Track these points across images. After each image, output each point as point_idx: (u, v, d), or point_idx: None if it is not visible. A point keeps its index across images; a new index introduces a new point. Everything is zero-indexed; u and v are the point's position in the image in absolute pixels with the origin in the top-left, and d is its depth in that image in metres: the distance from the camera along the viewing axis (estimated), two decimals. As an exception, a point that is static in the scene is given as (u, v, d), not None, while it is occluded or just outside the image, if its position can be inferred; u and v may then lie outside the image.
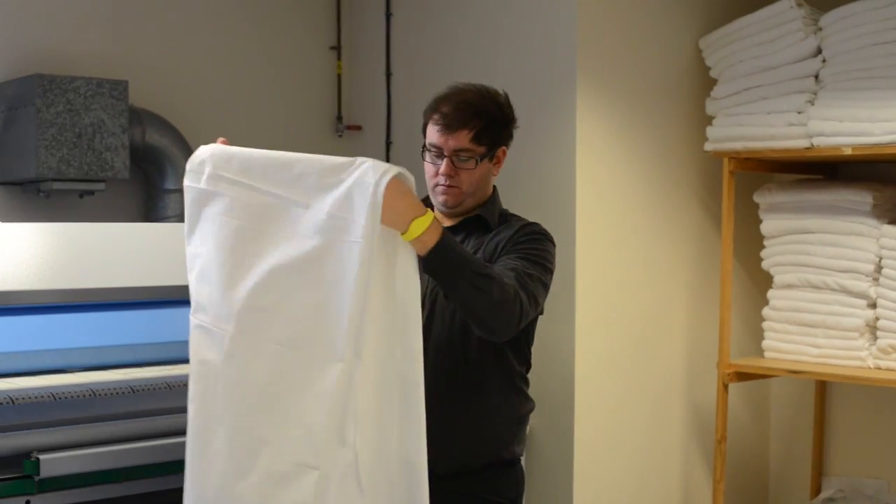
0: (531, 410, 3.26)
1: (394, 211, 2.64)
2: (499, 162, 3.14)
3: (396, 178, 2.65)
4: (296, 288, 2.70)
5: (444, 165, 3.03)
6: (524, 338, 3.15)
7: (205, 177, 2.90)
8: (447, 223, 3.14)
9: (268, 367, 2.72)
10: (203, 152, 2.96)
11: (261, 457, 2.70)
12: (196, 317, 2.90)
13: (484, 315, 2.81)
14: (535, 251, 3.02)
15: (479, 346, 3.04)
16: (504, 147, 3.13)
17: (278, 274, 2.72)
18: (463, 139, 3.01)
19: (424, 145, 3.08)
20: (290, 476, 2.66)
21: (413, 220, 2.69)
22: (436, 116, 3.04)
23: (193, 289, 2.92)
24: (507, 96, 3.15)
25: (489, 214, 3.17)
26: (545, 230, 3.14)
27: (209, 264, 2.85)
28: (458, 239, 3.08)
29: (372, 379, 2.65)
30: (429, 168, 3.07)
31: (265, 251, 2.74)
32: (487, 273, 2.80)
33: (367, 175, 2.65)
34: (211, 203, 2.88)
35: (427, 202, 3.15)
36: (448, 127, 3.00)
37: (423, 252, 2.72)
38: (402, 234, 2.69)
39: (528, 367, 3.24)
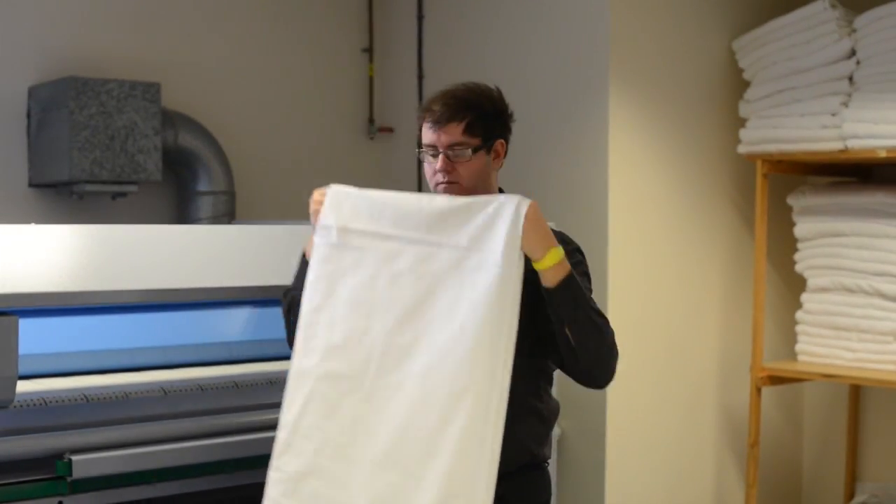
0: (558, 411, 3.22)
1: (536, 235, 2.73)
2: (498, 156, 3.09)
3: (535, 204, 2.72)
4: (432, 322, 2.78)
5: (439, 161, 2.99)
6: (552, 336, 3.14)
7: (335, 231, 2.96)
8: None
9: (407, 401, 2.80)
10: (329, 209, 2.99)
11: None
12: (321, 366, 2.95)
13: (596, 354, 2.87)
14: (588, 278, 3.07)
15: (516, 346, 3.02)
16: (502, 140, 3.07)
17: (416, 313, 2.80)
18: (455, 132, 2.98)
19: (420, 149, 3.05)
20: None
21: (550, 248, 2.75)
22: (427, 115, 3.01)
23: (318, 338, 2.96)
24: (499, 90, 3.11)
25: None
26: (577, 246, 3.15)
27: (340, 314, 2.92)
28: None
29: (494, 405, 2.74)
30: (427, 169, 3.03)
31: (400, 294, 2.83)
32: (602, 313, 2.87)
33: (505, 206, 2.73)
34: (340, 256, 2.95)
35: None
36: (438, 122, 2.98)
37: (554, 282, 2.77)
38: (537, 261, 2.75)
39: (554, 367, 3.22)
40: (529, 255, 2.75)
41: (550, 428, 3.17)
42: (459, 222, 2.78)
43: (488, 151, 3.03)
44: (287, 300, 3.18)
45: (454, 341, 2.73)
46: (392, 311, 2.83)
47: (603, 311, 4.68)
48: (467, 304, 2.72)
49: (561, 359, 2.93)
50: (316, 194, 3.01)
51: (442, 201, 2.84)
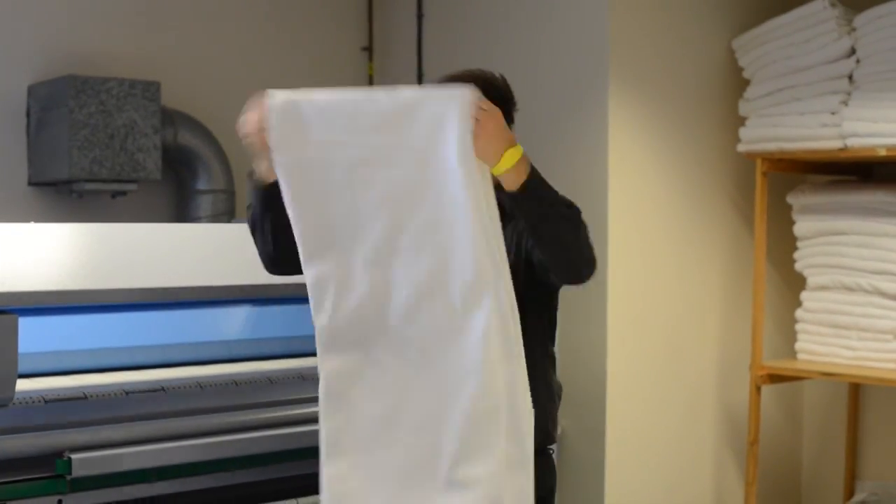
0: (561, 390, 3.14)
1: (486, 139, 2.50)
2: None
3: (479, 103, 2.49)
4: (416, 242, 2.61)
5: None
6: (553, 304, 3.07)
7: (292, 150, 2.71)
8: None
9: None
10: (278, 128, 2.73)
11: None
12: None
13: (573, 248, 2.70)
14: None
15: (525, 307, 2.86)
16: None
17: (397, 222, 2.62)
18: None
19: None
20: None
21: (505, 149, 2.53)
22: None
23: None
24: (503, 77, 3.04)
25: (502, 197, 2.98)
26: None
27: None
28: None
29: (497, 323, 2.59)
30: None
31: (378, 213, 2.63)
32: (572, 203, 2.71)
33: (448, 107, 2.49)
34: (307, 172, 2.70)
35: None
36: None
37: (516, 185, 2.57)
38: (492, 167, 2.54)
39: (554, 340, 3.13)
40: (483, 161, 2.52)
41: (557, 405, 3.08)
42: (411, 121, 2.53)
43: None
44: (250, 221, 2.98)
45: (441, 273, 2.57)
46: (372, 237, 2.63)
47: (603, 309, 4.73)
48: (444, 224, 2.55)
49: (541, 261, 2.80)
50: (251, 115, 2.79)
51: (386, 99, 2.58)
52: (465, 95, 2.48)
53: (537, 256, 2.82)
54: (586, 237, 2.73)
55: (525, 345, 2.71)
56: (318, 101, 2.67)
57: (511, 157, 2.52)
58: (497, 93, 2.95)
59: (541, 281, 2.89)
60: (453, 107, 2.48)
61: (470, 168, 2.48)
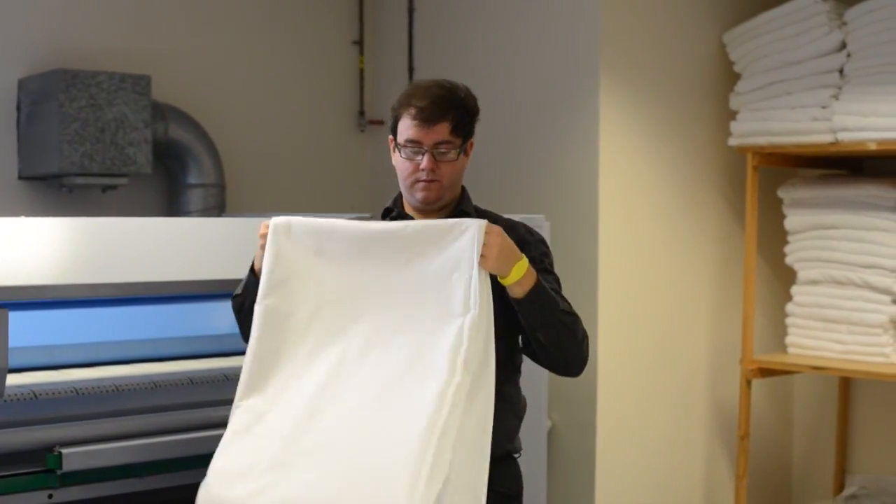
0: (525, 406, 3.21)
1: (499, 256, 2.76)
2: (468, 155, 3.05)
3: (490, 225, 2.76)
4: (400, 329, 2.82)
5: (426, 160, 2.93)
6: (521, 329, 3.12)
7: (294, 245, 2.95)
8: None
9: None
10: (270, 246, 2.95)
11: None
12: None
13: (570, 352, 2.90)
14: (553, 271, 3.06)
15: (501, 340, 2.96)
16: (471, 140, 3.03)
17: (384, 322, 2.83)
18: (444, 131, 2.93)
19: (396, 142, 2.99)
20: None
21: (514, 263, 2.78)
22: (412, 111, 2.94)
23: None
24: (467, 88, 3.07)
25: (469, 209, 3.10)
26: (541, 237, 3.13)
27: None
28: None
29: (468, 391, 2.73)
30: (405, 165, 2.97)
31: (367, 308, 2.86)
32: (572, 311, 2.90)
33: (468, 230, 2.76)
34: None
35: (397, 202, 3.11)
36: (427, 121, 2.92)
37: (522, 294, 2.80)
38: (503, 278, 2.78)
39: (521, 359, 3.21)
40: (495, 272, 2.78)
41: (521, 421, 3.14)
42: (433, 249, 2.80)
43: (466, 152, 3.02)
44: (236, 305, 3.14)
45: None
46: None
47: (594, 303, 4.72)
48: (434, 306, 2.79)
49: (532, 352, 2.96)
50: (262, 227, 2.97)
51: (395, 228, 2.86)
52: (477, 225, 2.76)
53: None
54: (584, 343, 2.92)
55: (502, 374, 2.88)
56: (324, 224, 2.92)
57: (520, 269, 2.78)
58: (467, 103, 3.01)
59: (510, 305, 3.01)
60: (466, 232, 2.76)
61: (475, 288, 2.74)
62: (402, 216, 3.06)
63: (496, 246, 2.77)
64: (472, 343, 2.72)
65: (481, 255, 2.76)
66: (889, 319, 4.64)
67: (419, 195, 3.00)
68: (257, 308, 2.92)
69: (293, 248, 2.92)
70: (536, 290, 2.82)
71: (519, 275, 2.79)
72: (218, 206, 5.06)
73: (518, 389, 3.11)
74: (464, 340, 2.72)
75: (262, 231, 2.94)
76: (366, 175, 5.77)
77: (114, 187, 4.78)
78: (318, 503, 2.68)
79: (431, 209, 3.04)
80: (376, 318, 2.84)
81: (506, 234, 2.80)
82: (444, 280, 2.78)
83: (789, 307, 4.96)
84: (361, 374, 2.79)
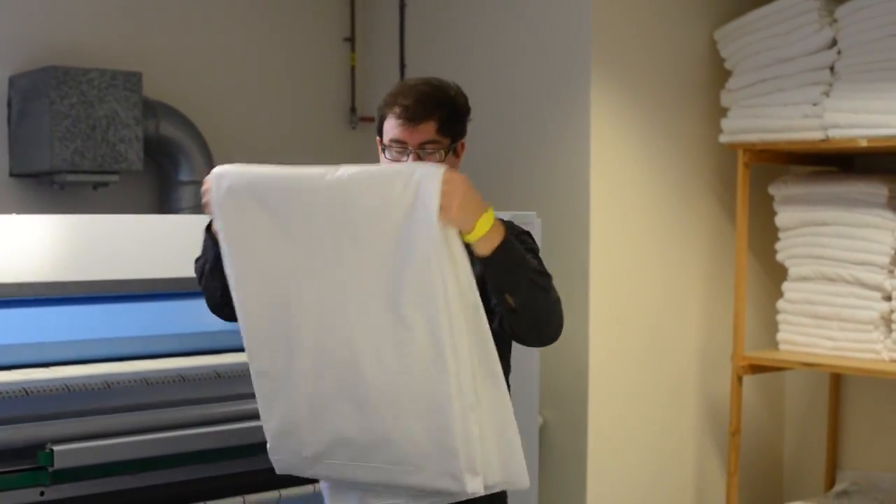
0: None
1: (460, 207, 2.47)
2: (458, 156, 2.90)
3: (452, 173, 2.47)
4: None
5: (410, 160, 2.80)
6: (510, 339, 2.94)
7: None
8: None
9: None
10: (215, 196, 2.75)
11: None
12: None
13: (542, 316, 2.63)
14: (535, 249, 2.86)
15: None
16: (462, 140, 2.89)
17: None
18: (428, 131, 2.80)
19: (382, 143, 2.87)
20: None
21: (478, 216, 2.50)
22: (397, 110, 2.81)
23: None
24: (458, 87, 2.93)
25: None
26: (528, 233, 2.95)
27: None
28: None
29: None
30: (390, 164, 2.82)
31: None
32: (544, 270, 2.66)
33: (419, 181, 2.47)
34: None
35: None
36: (412, 120, 2.79)
37: (488, 251, 2.54)
38: (467, 233, 2.50)
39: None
40: (457, 226, 2.49)
41: None
42: (369, 195, 2.52)
43: (455, 152, 2.89)
44: (198, 269, 3.00)
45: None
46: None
47: (585, 300, 4.73)
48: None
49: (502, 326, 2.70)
50: (204, 182, 2.78)
51: (345, 171, 2.56)
52: (433, 171, 2.46)
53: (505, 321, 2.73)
54: (558, 306, 2.66)
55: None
56: (266, 173, 2.68)
57: (485, 223, 2.50)
58: (456, 102, 2.88)
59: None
60: (420, 181, 2.46)
61: (434, 237, 2.46)
62: None
63: (459, 194, 2.46)
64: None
65: (440, 207, 2.44)
66: (880, 316, 4.64)
67: None
68: (228, 269, 2.74)
69: (237, 202, 2.70)
70: (505, 246, 2.54)
71: (485, 228, 2.50)
72: (209, 204, 5.06)
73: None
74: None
75: (204, 187, 2.76)
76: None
77: (105, 184, 4.77)
78: (374, 434, 2.58)
79: None
80: (336, 271, 2.59)
81: (468, 181, 2.50)
82: (398, 249, 2.49)
83: (780, 304, 4.96)
84: (346, 324, 2.59)
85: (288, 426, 2.74)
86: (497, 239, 2.53)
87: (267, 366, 2.75)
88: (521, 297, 2.57)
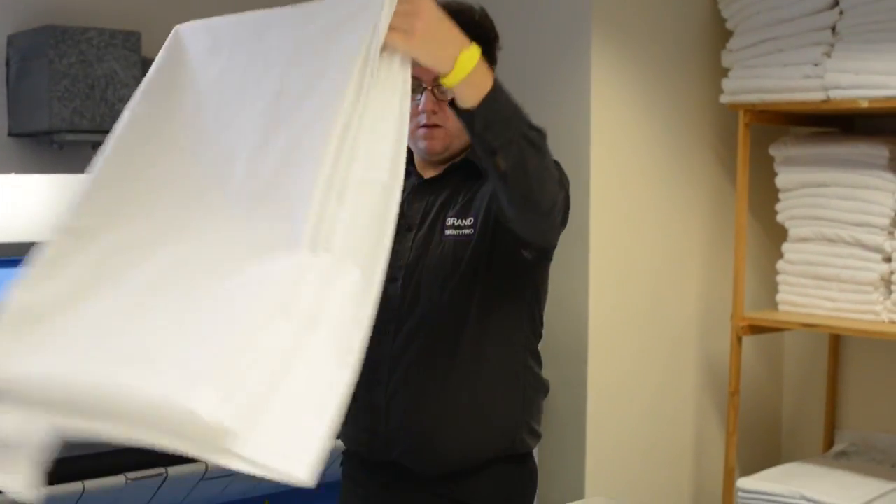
0: (544, 392, 2.81)
1: (428, 28, 1.91)
2: None
3: None
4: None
5: (424, 99, 2.47)
6: (535, 296, 2.71)
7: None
8: (430, 174, 2.71)
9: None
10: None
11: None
12: None
13: (536, 177, 2.21)
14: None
15: (479, 318, 2.58)
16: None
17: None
18: None
19: None
20: None
21: (459, 51, 1.98)
22: None
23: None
24: (483, 10, 2.58)
25: (473, 156, 2.63)
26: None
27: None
28: (446, 193, 2.66)
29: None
30: None
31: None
32: (537, 126, 2.24)
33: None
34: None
35: (410, 158, 2.66)
36: None
37: (475, 101, 2.05)
38: (444, 75, 2.01)
39: (539, 336, 2.77)
40: (432, 65, 1.97)
41: (536, 412, 2.77)
42: (308, 21, 2.04)
43: None
44: None
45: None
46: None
47: (585, 260, 4.72)
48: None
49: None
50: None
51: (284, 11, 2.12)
52: None
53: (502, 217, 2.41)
54: (557, 169, 2.36)
55: (497, 342, 2.59)
56: (226, 18, 2.41)
57: (467, 62, 1.99)
58: (481, 27, 2.54)
59: (515, 263, 2.58)
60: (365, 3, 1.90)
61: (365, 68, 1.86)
62: (415, 174, 2.72)
63: (424, 15, 1.89)
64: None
65: (394, 31, 1.85)
66: (880, 277, 4.64)
67: (421, 144, 2.60)
68: (123, 115, 2.34)
69: (185, 50, 2.38)
70: (495, 93, 2.06)
71: (467, 68, 1.98)
72: (209, 164, 5.05)
73: (513, 377, 2.68)
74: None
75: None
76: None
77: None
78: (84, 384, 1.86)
79: (438, 160, 2.65)
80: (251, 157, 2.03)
81: (432, 4, 1.93)
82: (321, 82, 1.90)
83: (780, 265, 4.96)
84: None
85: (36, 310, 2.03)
86: (487, 84, 2.05)
87: (86, 225, 2.14)
88: (511, 157, 2.15)
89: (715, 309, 5.17)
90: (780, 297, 4.97)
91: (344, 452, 2.86)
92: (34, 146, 4.80)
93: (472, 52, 2.00)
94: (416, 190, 2.71)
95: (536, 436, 2.73)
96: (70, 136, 4.57)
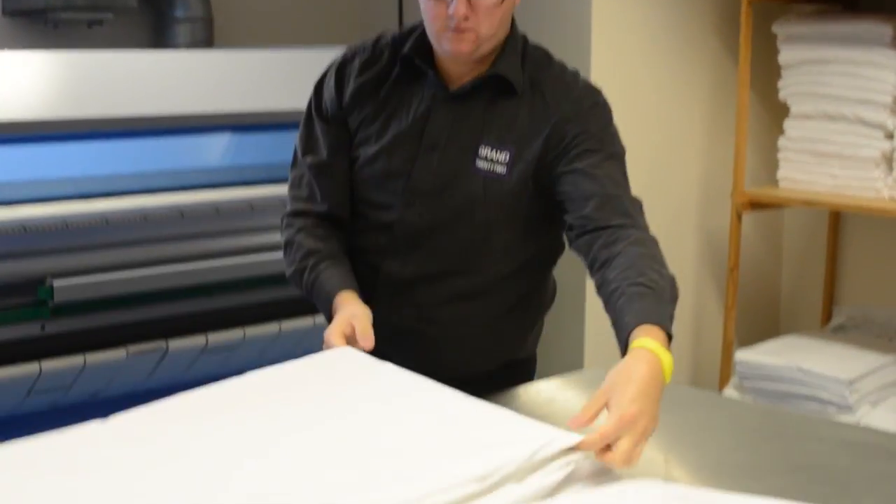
0: (554, 296, 2.80)
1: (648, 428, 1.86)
2: None
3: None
4: None
5: (457, 3, 2.26)
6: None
7: None
8: (453, 84, 2.45)
9: None
10: None
11: None
12: None
13: None
14: (617, 152, 2.57)
15: (504, 249, 2.51)
16: None
17: None
18: None
19: None
20: None
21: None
22: None
23: None
24: None
25: (511, 70, 2.45)
26: (604, 101, 2.62)
27: None
28: (474, 113, 2.43)
29: None
30: (431, 7, 2.29)
31: None
32: (674, 294, 2.23)
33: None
34: None
35: (417, 45, 2.46)
36: None
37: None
38: None
39: (560, 253, 2.69)
40: None
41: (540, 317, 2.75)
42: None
43: None
44: (296, 281, 2.50)
45: None
46: None
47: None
48: None
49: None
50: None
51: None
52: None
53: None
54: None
55: (518, 268, 2.53)
56: None
57: (668, 373, 1.98)
58: None
59: (548, 211, 2.47)
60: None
61: None
62: (436, 81, 2.44)
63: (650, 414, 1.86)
64: None
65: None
66: (881, 154, 4.62)
67: (447, 47, 2.35)
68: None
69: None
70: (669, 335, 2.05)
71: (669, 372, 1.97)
72: (205, 41, 4.99)
73: (535, 283, 2.65)
74: None
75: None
76: (357, 3, 5.68)
77: (99, 22, 4.71)
78: None
79: (465, 61, 2.42)
80: None
81: (643, 400, 1.86)
82: None
83: (781, 141, 4.94)
84: None
85: None
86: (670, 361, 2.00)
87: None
88: None
89: (715, 185, 5.16)
90: (780, 173, 4.96)
91: None
92: (29, 25, 4.75)
93: (668, 367, 1.97)
94: (438, 103, 2.45)
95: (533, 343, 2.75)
96: (65, 14, 4.53)
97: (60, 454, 1.82)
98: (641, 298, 2.10)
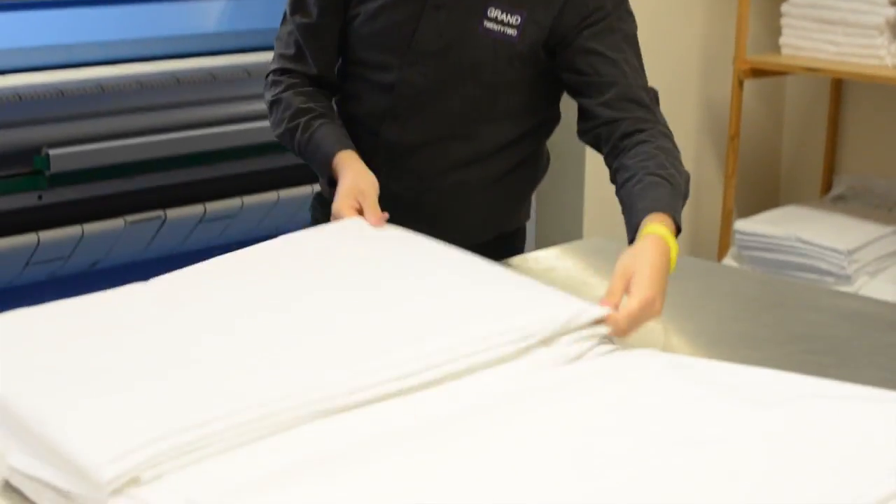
0: (546, 168, 2.78)
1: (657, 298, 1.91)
2: None
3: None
4: None
5: None
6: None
7: None
8: None
9: None
10: None
11: None
12: None
13: None
14: (633, 43, 2.51)
15: (506, 113, 2.49)
16: None
17: None
18: None
19: None
20: None
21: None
22: None
23: None
24: None
25: None
26: None
27: None
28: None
29: None
30: None
31: None
32: (686, 191, 2.23)
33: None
34: None
35: None
36: None
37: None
38: None
39: (559, 119, 2.70)
40: None
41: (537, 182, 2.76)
42: None
43: None
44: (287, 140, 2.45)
45: None
46: None
47: None
48: None
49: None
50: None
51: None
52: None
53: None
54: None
55: (520, 133, 2.53)
56: None
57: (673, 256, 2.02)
58: None
59: (556, 81, 2.47)
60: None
61: None
62: None
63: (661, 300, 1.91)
64: None
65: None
66: (885, 21, 4.57)
67: None
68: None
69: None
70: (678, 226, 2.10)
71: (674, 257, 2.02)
72: None
73: (534, 150, 2.66)
74: None
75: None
76: None
77: None
78: None
79: None
80: None
81: (656, 280, 1.90)
82: None
83: (784, 7, 4.88)
84: None
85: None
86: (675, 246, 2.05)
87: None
88: None
89: (716, 52, 5.11)
90: (783, 40, 4.90)
91: (317, 196, 2.69)
92: None
93: (673, 254, 2.02)
94: None
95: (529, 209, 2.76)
96: None
97: (107, 312, 1.84)
98: (657, 187, 2.15)
